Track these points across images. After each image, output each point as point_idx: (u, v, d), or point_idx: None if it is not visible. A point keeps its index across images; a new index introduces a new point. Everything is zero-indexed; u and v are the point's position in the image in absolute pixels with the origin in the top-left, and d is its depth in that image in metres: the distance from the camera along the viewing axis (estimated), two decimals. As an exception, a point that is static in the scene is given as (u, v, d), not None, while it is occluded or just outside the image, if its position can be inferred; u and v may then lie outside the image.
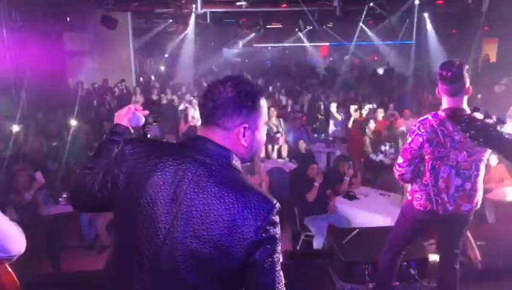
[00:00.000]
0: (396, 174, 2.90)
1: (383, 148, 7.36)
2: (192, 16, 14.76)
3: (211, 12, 14.73)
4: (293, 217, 5.55)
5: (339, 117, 9.34)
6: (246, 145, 1.39)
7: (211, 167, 1.31)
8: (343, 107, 9.91)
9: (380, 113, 8.37)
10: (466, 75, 2.65)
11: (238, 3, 12.35)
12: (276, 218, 1.30)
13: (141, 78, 13.87)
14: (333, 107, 9.50)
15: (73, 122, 7.33)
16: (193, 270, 1.26)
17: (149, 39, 16.22)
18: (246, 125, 1.37)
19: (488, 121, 1.82)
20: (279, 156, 7.74)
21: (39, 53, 9.02)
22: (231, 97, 1.35)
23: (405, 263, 3.47)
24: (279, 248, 1.32)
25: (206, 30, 15.91)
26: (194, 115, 8.84)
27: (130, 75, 13.21)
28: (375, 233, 4.06)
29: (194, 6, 12.14)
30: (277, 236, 1.31)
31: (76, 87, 11.77)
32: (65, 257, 5.09)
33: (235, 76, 1.42)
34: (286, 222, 6.05)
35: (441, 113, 2.72)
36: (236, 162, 1.37)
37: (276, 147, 7.81)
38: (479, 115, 2.46)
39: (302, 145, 7.69)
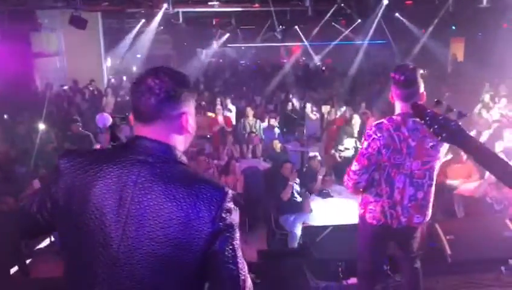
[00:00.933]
0: (350, 183, 2.67)
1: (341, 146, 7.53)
2: (159, 14, 14.58)
3: (183, 12, 14.59)
4: (268, 216, 5.57)
5: (314, 117, 9.43)
6: (191, 131, 1.38)
7: (154, 165, 1.27)
8: (317, 106, 10.03)
9: (349, 112, 8.63)
10: (420, 80, 2.57)
11: (210, 3, 12.28)
12: (231, 204, 1.28)
13: (113, 79, 13.62)
14: (308, 107, 9.58)
15: (41, 126, 7.15)
16: (155, 273, 1.23)
17: (121, 39, 15.95)
18: (187, 112, 1.36)
19: (450, 115, 1.83)
20: (254, 155, 7.76)
21: (5, 54, 8.76)
22: (171, 87, 1.31)
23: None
24: (237, 234, 1.30)
25: (179, 30, 15.78)
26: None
27: (101, 76, 12.95)
28: (348, 230, 4.10)
29: (165, 6, 11.99)
30: (234, 223, 1.29)
31: (45, 89, 11.47)
32: (35, 262, 4.96)
33: (159, 66, 1.36)
34: (261, 221, 6.07)
35: (395, 117, 2.61)
36: (181, 156, 1.34)
37: (250, 146, 7.83)
38: (441, 109, 2.30)
39: (277, 144, 7.73)
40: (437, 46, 15.03)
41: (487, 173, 5.61)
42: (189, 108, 1.37)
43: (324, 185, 5.83)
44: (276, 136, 8.33)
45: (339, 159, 7.43)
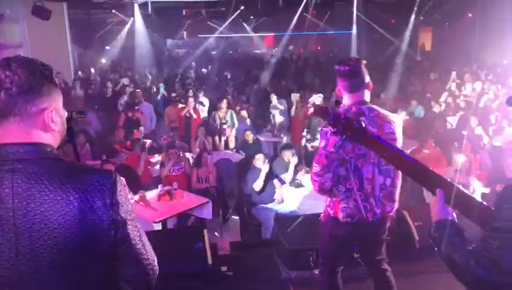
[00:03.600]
0: (315, 186, 2.56)
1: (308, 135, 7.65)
2: (136, 7, 14.32)
3: (152, 2, 14.34)
4: (241, 208, 5.57)
5: (281, 107, 9.43)
6: (56, 129, 1.25)
7: (26, 170, 1.15)
8: (287, 96, 10.04)
9: (317, 101, 8.67)
10: (365, 70, 2.57)
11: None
12: (122, 187, 1.23)
13: (79, 72, 13.26)
14: (274, 98, 9.58)
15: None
16: (64, 279, 1.17)
17: (88, 31, 15.55)
18: (51, 108, 1.22)
19: (350, 114, 1.85)
20: (227, 147, 7.73)
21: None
22: (26, 80, 1.16)
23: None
24: (134, 214, 1.28)
25: (148, 21, 15.49)
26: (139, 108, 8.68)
27: (68, 69, 12.58)
28: (319, 220, 4.15)
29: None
30: (130, 206, 1.25)
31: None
32: None
33: (14, 56, 1.20)
34: (234, 212, 6.07)
35: (348, 108, 2.55)
36: (53, 151, 1.22)
37: (223, 138, 7.79)
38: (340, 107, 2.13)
39: (249, 135, 7.71)
40: (405, 35, 15.27)
41: (454, 159, 5.77)
42: (52, 102, 1.23)
43: (296, 175, 5.86)
44: (248, 127, 8.30)
45: (310, 149, 7.49)
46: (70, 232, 1.14)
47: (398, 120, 2.69)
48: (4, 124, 1.18)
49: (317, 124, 7.49)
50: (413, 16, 14.69)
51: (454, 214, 1.56)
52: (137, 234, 1.27)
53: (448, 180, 1.54)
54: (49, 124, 1.22)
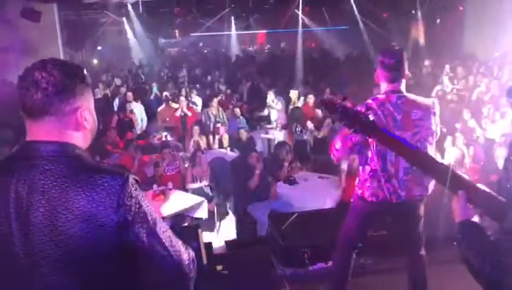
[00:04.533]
0: (334, 158, 2.82)
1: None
2: (128, 7, 14.26)
3: (144, 2, 14.27)
4: (236, 206, 5.57)
5: (279, 107, 9.43)
6: (88, 127, 1.30)
7: (43, 167, 1.19)
8: (284, 94, 10.03)
9: (311, 99, 8.75)
10: (406, 60, 2.69)
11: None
12: (134, 189, 1.23)
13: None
14: (271, 95, 9.57)
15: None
16: (69, 279, 1.19)
17: (79, 31, 15.43)
18: (84, 107, 1.28)
19: (358, 108, 1.88)
20: (221, 146, 7.72)
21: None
22: (61, 80, 1.22)
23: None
24: (151, 217, 1.25)
25: (140, 21, 15.42)
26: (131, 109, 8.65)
27: (60, 70, 12.53)
28: (313, 216, 4.16)
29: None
30: (143, 207, 1.24)
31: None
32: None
33: (48, 58, 1.27)
34: (230, 210, 6.07)
35: (380, 96, 2.71)
36: (75, 151, 1.25)
37: (217, 137, 7.78)
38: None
39: (243, 134, 7.71)
40: (397, 30, 15.30)
41: (447, 153, 5.80)
42: (84, 102, 1.29)
43: (291, 172, 5.87)
44: (241, 125, 8.29)
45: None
46: (76, 231, 1.16)
47: (431, 104, 2.78)
48: (40, 123, 1.23)
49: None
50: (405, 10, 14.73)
51: (477, 216, 1.53)
52: (156, 236, 1.24)
53: (462, 175, 1.54)
54: (82, 122, 1.28)
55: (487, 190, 1.51)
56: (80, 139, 1.29)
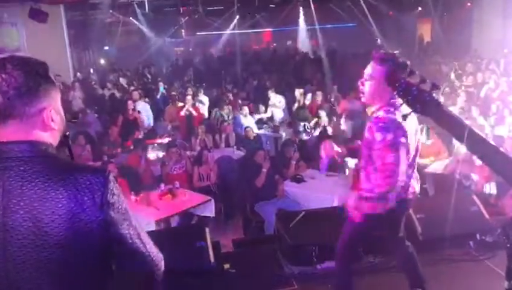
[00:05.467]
0: (401, 184, 2.46)
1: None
2: (134, 6, 14.31)
3: (150, 1, 14.32)
4: (243, 205, 5.56)
5: (279, 105, 9.42)
6: (56, 128, 1.24)
7: (18, 168, 1.14)
8: (289, 92, 10.02)
9: (319, 96, 8.75)
10: None
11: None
12: (115, 186, 1.22)
13: (78, 73, 13.26)
14: (272, 94, 9.57)
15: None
16: (53, 278, 1.15)
17: (86, 32, 15.50)
18: (50, 108, 1.22)
19: (423, 86, 1.73)
20: (227, 144, 7.72)
21: (-38, 51, 8.37)
22: (23, 82, 1.15)
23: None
24: (131, 214, 1.26)
25: (146, 20, 15.47)
26: (135, 108, 8.65)
27: (67, 71, 12.57)
28: (321, 214, 4.14)
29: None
30: (124, 204, 1.24)
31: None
32: None
33: (8, 56, 1.18)
34: (237, 209, 6.06)
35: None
36: (47, 149, 1.21)
37: (223, 135, 7.78)
38: (414, 79, 2.04)
39: (250, 132, 7.71)
40: (404, 27, 15.20)
41: (455, 150, 5.75)
42: (51, 101, 1.22)
43: (298, 170, 5.85)
44: (248, 123, 8.29)
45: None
46: (60, 231, 1.13)
47: None
48: (3, 126, 1.17)
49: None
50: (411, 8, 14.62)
51: None
52: (135, 233, 1.26)
53: None
54: (49, 123, 1.22)
55: None
56: (49, 139, 1.23)
